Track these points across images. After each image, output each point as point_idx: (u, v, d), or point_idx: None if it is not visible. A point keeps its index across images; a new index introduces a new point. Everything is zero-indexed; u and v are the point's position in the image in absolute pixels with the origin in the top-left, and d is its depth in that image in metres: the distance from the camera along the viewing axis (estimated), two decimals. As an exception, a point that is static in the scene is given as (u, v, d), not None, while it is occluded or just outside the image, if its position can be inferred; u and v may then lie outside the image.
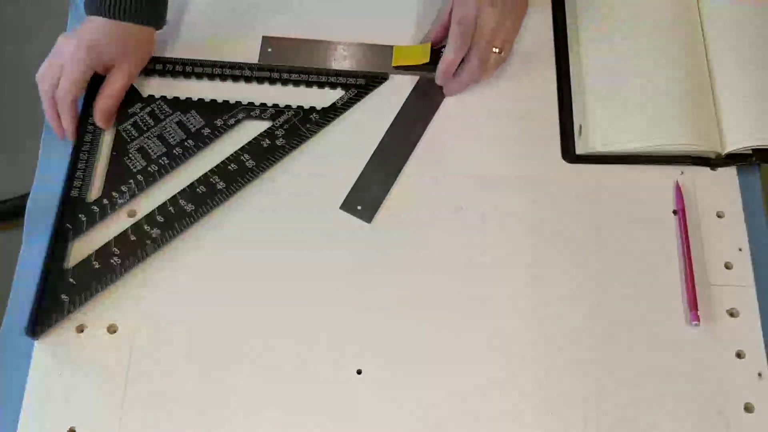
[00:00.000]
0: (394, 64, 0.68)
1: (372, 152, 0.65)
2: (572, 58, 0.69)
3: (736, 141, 0.63)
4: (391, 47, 0.69)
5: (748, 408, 0.56)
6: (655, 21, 0.68)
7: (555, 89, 0.68)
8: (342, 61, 0.69)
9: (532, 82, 0.68)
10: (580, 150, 0.65)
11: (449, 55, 0.64)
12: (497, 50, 0.64)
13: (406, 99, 0.67)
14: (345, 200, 0.63)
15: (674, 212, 0.63)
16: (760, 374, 0.57)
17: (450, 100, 0.67)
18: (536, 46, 0.69)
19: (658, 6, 0.68)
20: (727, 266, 0.61)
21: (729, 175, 0.64)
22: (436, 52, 0.67)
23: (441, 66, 0.65)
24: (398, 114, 0.66)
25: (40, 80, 0.64)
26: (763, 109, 0.63)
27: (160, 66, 0.68)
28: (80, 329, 0.58)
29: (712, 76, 0.66)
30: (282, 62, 0.68)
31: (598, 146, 0.64)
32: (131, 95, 0.66)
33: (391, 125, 0.66)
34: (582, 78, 0.67)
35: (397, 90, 0.68)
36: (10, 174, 1.26)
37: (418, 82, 0.68)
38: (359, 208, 0.63)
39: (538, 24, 0.71)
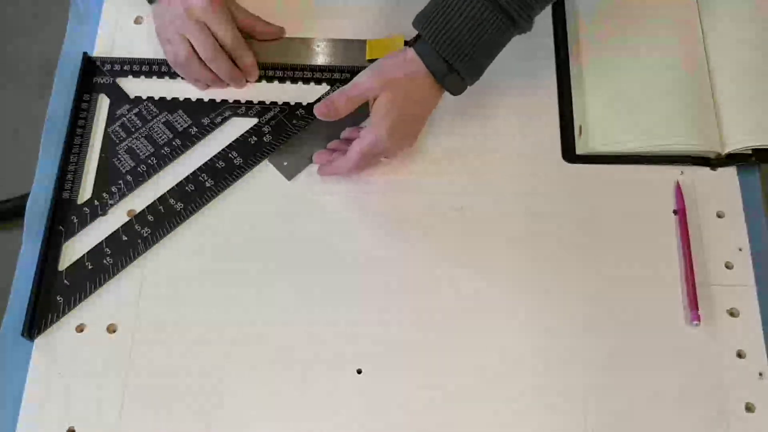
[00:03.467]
0: (368, 58, 0.69)
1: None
2: (572, 59, 0.69)
3: (736, 141, 0.64)
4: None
5: (749, 408, 0.57)
6: (655, 21, 0.69)
7: (555, 89, 0.68)
8: (325, 56, 0.70)
9: (532, 82, 0.68)
10: (580, 150, 0.65)
11: (343, 163, 0.62)
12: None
13: None
14: (273, 154, 0.65)
15: (674, 212, 0.63)
16: (760, 374, 0.58)
17: (449, 99, 0.66)
18: (536, 46, 0.70)
19: (658, 6, 0.68)
20: (728, 266, 0.62)
21: (729, 175, 0.65)
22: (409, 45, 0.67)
23: (342, 160, 0.62)
24: None
25: (184, 58, 0.65)
26: (762, 109, 0.64)
27: (146, 67, 0.69)
28: (80, 329, 0.59)
29: (711, 77, 0.66)
30: (265, 60, 0.69)
31: (598, 146, 0.65)
32: (118, 96, 0.68)
33: None
34: (582, 78, 0.68)
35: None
36: (11, 174, 1.25)
37: None
38: (285, 164, 0.65)
39: (539, 24, 0.70)
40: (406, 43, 0.67)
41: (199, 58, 0.65)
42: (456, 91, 0.60)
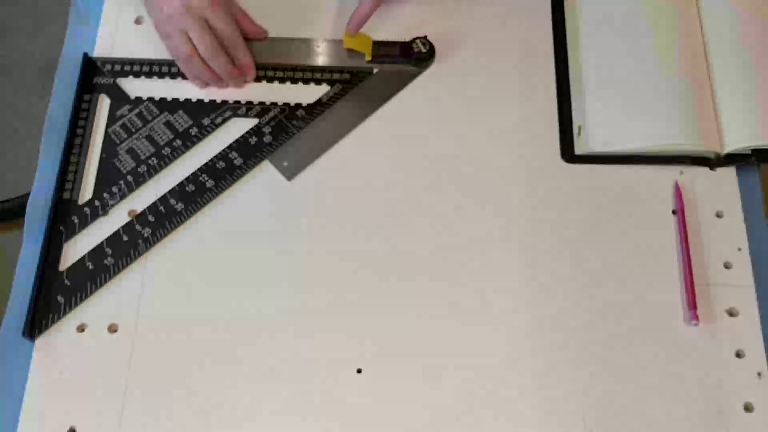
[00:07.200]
0: (345, 46, 0.69)
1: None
2: (571, 58, 0.69)
3: (736, 141, 0.64)
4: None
5: (748, 408, 0.58)
6: (654, 21, 0.69)
7: (554, 89, 0.68)
8: (325, 57, 0.70)
9: (532, 82, 0.69)
10: (579, 150, 0.66)
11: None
12: None
13: (370, 79, 0.69)
14: (273, 154, 0.66)
15: (673, 212, 0.63)
16: (759, 374, 0.58)
17: (447, 99, 0.67)
18: (535, 46, 0.71)
19: (658, 7, 0.68)
20: (727, 266, 0.62)
21: (728, 175, 0.65)
22: (376, 45, 0.69)
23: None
24: (354, 90, 0.69)
25: (185, 56, 0.65)
26: (763, 109, 0.64)
27: (147, 67, 0.70)
28: (81, 329, 0.59)
29: (711, 76, 0.66)
30: (266, 60, 0.69)
31: (597, 146, 0.65)
32: (118, 97, 0.68)
33: (347, 97, 0.68)
34: (581, 78, 0.68)
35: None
36: (11, 174, 1.25)
37: (382, 68, 0.70)
38: (285, 164, 0.65)
39: (538, 24, 0.71)
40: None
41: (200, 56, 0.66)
42: None
